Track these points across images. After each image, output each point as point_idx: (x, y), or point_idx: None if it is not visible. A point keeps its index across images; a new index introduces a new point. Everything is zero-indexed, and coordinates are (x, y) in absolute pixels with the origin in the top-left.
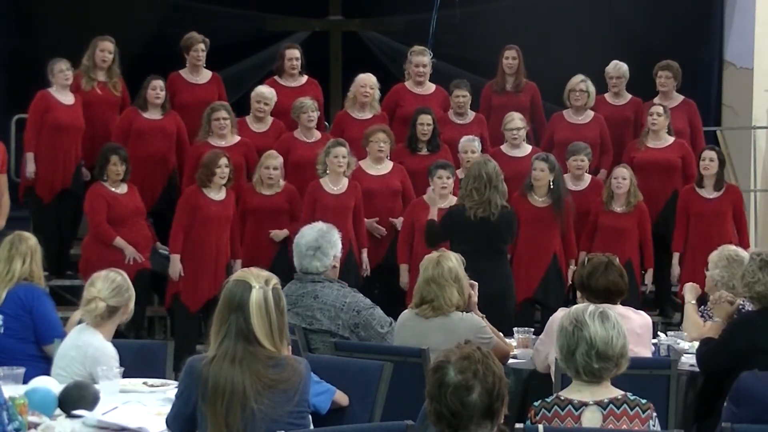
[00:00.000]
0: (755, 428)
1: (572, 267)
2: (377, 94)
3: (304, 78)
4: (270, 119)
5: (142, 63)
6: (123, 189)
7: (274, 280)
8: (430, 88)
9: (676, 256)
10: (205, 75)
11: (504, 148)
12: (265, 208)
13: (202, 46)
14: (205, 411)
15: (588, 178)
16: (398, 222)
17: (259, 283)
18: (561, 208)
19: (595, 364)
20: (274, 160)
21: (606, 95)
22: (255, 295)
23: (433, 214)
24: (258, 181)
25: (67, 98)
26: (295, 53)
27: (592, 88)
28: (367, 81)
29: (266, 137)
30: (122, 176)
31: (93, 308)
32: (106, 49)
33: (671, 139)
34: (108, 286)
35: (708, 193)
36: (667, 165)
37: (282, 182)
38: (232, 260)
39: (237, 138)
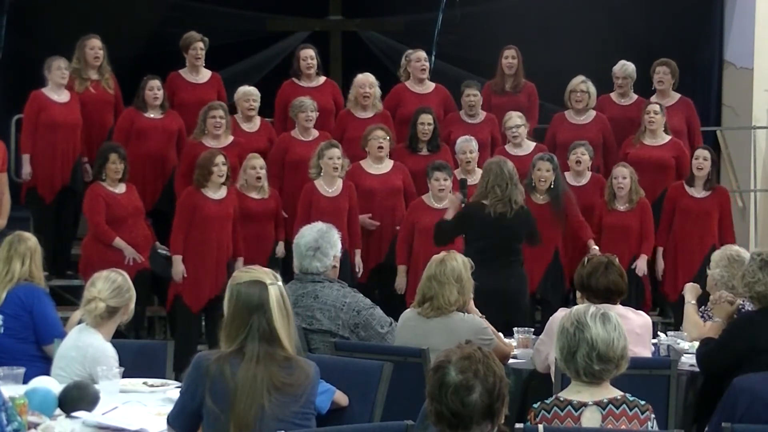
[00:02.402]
0: (755, 428)
1: (593, 246)
2: (377, 92)
3: (322, 78)
4: (258, 119)
5: (142, 63)
6: (122, 189)
7: (278, 274)
8: (430, 86)
9: (659, 251)
10: (205, 74)
11: (507, 147)
12: (257, 212)
13: (200, 45)
14: (213, 408)
15: (588, 174)
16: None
17: (270, 279)
18: (560, 205)
19: (595, 365)
20: (258, 160)
21: (612, 95)
22: (273, 292)
23: (449, 215)
24: (244, 185)
25: (62, 96)
26: (309, 53)
27: (592, 89)
28: (365, 81)
29: (258, 136)
30: (121, 175)
31: (93, 308)
32: (95, 46)
33: (667, 138)
34: (108, 286)
35: (697, 192)
36: (660, 163)
37: (267, 186)
38: (234, 258)
39: (231, 138)
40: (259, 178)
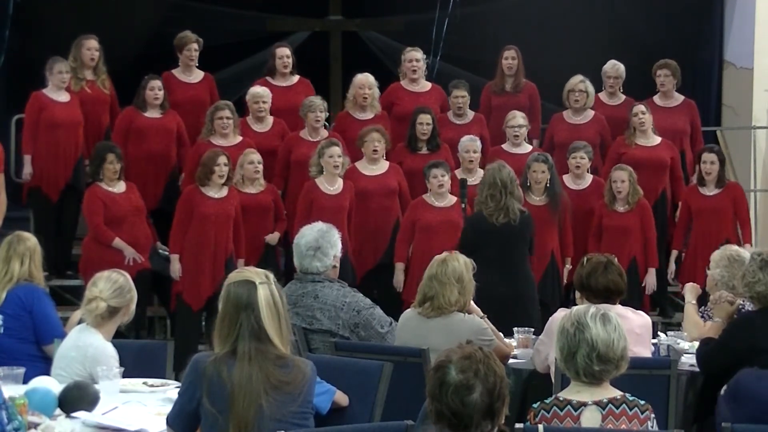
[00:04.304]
0: (755, 428)
1: (568, 266)
2: (376, 93)
3: (296, 77)
4: (270, 118)
5: (142, 63)
6: (121, 188)
7: (272, 275)
8: (426, 86)
9: (674, 254)
10: (198, 75)
11: (505, 145)
12: (251, 206)
13: (195, 45)
14: (211, 410)
15: (589, 177)
16: None
17: (260, 278)
18: (558, 205)
19: (595, 366)
20: (255, 155)
21: (601, 95)
22: (262, 292)
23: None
24: (239, 181)
25: (63, 96)
26: (285, 51)
27: (591, 89)
28: (365, 82)
29: (270, 136)
30: (119, 174)
31: (93, 308)
32: (92, 47)
33: (659, 139)
34: (110, 286)
35: (709, 190)
36: (659, 163)
37: (263, 181)
38: (235, 259)
39: (239, 138)
40: (257, 171)
